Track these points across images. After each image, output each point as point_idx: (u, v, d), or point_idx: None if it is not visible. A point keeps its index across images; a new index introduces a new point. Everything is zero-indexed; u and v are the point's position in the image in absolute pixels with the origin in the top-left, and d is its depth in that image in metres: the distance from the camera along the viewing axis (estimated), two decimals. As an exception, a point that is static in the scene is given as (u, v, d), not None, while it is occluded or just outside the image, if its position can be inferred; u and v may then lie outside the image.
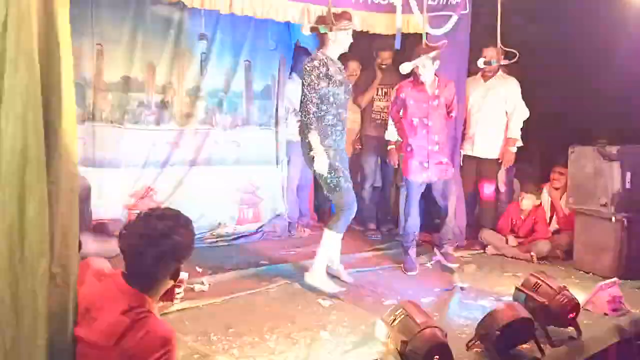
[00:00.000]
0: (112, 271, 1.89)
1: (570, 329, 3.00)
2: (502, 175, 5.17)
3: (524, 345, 2.82)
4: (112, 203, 4.65)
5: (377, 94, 5.46)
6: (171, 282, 1.91)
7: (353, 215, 3.79)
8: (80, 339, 1.67)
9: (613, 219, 4.17)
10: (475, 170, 5.21)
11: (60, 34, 1.59)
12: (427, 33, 4.32)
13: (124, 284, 1.78)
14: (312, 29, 3.59)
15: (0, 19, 1.44)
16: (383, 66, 5.40)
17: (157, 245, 1.77)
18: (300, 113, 3.74)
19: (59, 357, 1.57)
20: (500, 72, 5.09)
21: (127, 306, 1.70)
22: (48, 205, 1.51)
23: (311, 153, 3.60)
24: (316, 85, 3.57)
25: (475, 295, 3.71)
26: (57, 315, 1.56)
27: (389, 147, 5.06)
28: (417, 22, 4.42)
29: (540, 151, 5.27)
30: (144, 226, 1.81)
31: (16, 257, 1.47)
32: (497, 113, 5.05)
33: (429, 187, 4.41)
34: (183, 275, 3.65)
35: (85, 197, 4.31)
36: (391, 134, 4.97)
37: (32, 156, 1.48)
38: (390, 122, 4.95)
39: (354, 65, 5.43)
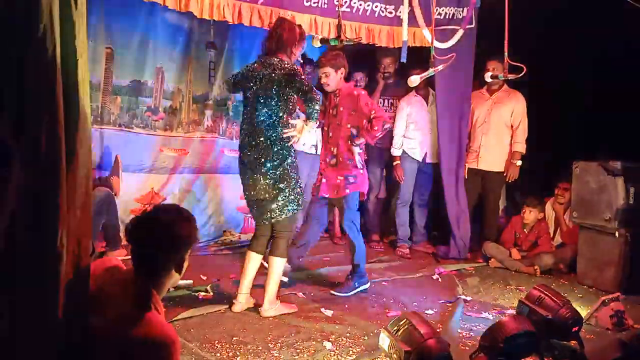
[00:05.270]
0: (126, 267, 1.95)
1: (573, 342, 3.01)
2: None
3: (527, 359, 2.82)
4: (118, 207, 4.67)
5: (382, 105, 5.49)
6: (176, 275, 1.95)
7: None
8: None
9: (616, 234, 4.19)
10: (479, 183, 5.23)
11: (78, 41, 1.63)
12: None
13: (132, 276, 1.86)
14: (322, 41, 3.57)
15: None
16: (386, 74, 5.42)
17: (158, 236, 1.85)
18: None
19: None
20: (505, 86, 5.12)
21: (133, 295, 1.77)
22: (64, 207, 1.56)
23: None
24: None
25: (478, 307, 3.72)
26: (69, 317, 1.59)
27: (394, 163, 5.14)
28: (423, 35, 4.46)
29: (544, 165, 5.28)
30: (146, 219, 1.92)
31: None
32: (502, 127, 5.08)
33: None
34: (187, 282, 3.74)
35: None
36: (397, 149, 5.05)
37: (52, 160, 1.52)
38: (396, 136, 5.04)
39: (359, 77, 5.46)
